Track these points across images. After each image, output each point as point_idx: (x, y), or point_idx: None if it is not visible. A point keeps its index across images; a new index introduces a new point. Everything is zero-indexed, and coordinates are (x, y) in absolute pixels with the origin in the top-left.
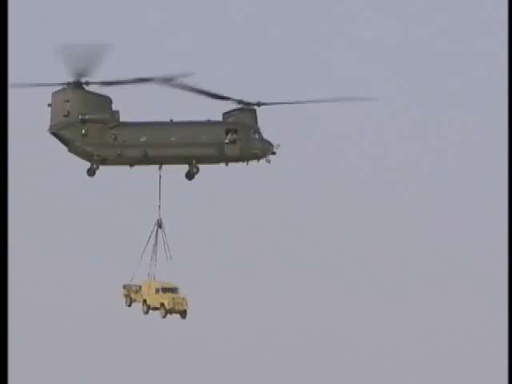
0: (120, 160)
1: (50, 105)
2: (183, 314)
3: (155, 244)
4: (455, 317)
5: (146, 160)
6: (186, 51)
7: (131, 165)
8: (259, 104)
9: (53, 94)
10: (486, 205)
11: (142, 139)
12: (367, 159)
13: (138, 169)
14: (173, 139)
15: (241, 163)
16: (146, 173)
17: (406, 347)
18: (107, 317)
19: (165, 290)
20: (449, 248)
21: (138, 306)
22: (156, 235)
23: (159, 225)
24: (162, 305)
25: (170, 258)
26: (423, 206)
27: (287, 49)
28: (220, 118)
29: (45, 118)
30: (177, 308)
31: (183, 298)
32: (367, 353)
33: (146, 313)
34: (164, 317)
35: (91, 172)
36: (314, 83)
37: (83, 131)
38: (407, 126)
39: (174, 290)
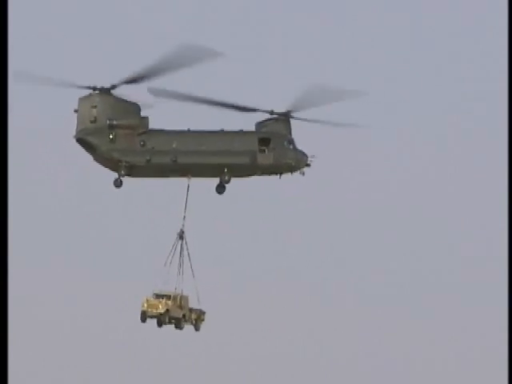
0: (148, 167)
1: (76, 110)
2: (160, 317)
3: (180, 256)
4: (455, 318)
5: (175, 167)
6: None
7: (160, 173)
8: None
9: (79, 99)
10: (487, 213)
11: (173, 146)
12: (401, 172)
13: (166, 181)
14: (204, 147)
15: (273, 176)
16: (174, 185)
17: (406, 349)
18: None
19: (157, 296)
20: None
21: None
22: (181, 247)
23: (180, 236)
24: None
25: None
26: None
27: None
28: (253, 128)
29: (71, 127)
30: (150, 311)
31: (159, 302)
32: (369, 353)
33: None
34: (142, 321)
35: (118, 183)
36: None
37: (111, 136)
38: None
39: (164, 297)
